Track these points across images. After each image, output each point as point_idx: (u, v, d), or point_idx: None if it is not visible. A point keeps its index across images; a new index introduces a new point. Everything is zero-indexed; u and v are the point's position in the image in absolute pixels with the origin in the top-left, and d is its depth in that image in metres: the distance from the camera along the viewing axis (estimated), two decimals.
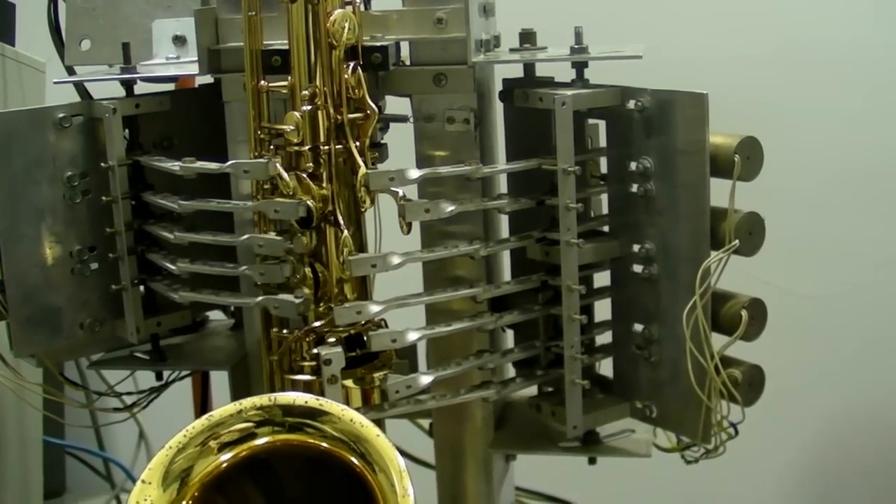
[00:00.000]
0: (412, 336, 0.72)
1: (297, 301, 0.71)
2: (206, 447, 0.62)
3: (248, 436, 0.63)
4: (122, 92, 0.82)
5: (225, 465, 0.62)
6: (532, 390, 0.85)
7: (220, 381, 0.96)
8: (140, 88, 0.83)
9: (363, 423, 0.62)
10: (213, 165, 0.74)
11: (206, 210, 0.77)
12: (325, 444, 0.63)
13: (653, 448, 0.84)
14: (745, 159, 0.74)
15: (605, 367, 0.85)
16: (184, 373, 0.90)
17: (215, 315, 0.96)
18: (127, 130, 0.82)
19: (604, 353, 0.84)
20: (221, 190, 0.80)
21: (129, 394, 0.89)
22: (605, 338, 0.84)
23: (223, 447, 0.62)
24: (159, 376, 0.88)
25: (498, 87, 0.83)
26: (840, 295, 1.34)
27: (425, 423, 0.90)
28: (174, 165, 0.76)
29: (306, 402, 0.63)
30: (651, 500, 1.41)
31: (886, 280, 1.34)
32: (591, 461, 0.85)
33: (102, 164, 0.80)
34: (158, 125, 0.83)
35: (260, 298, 0.72)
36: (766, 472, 1.42)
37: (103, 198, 0.80)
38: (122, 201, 0.80)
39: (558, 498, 1.04)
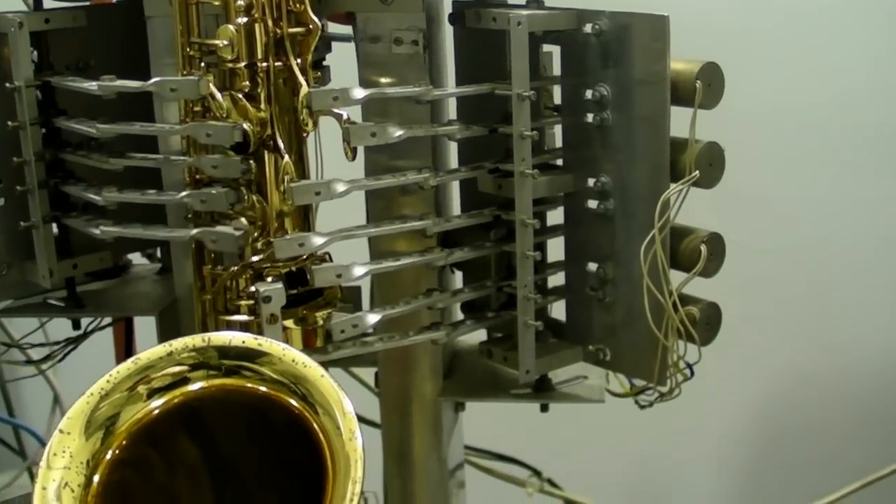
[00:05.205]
0: (358, 271, 0.66)
1: (237, 234, 0.65)
2: (134, 393, 0.56)
3: (181, 380, 0.58)
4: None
5: (155, 412, 0.57)
6: (481, 339, 0.81)
7: (145, 332, 0.89)
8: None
9: (306, 364, 0.57)
10: (134, 84, 0.67)
11: (129, 135, 0.69)
12: (264, 388, 0.57)
13: (606, 395, 0.81)
14: (707, 86, 0.71)
15: (556, 311, 0.81)
16: (104, 322, 0.83)
17: (140, 261, 0.89)
18: (35, 52, 0.74)
19: (556, 296, 0.80)
20: (145, 118, 0.73)
21: (42, 345, 0.81)
22: (557, 280, 0.80)
23: (153, 393, 0.56)
24: (77, 325, 0.81)
25: (448, 11, 0.77)
26: (791, 248, 1.33)
27: (369, 377, 0.84)
28: (91, 85, 0.69)
29: (244, 341, 0.58)
30: (596, 454, 1.39)
31: (836, 234, 1.34)
32: (544, 408, 0.82)
33: (7, 85, 0.72)
34: (72, 45, 0.76)
35: (195, 231, 0.66)
36: (712, 425, 1.41)
37: (9, 123, 0.73)
38: (30, 127, 0.72)
39: (507, 456, 1.00)
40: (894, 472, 1.13)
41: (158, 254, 0.90)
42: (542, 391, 0.79)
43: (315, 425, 0.55)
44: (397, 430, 0.79)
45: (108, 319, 0.82)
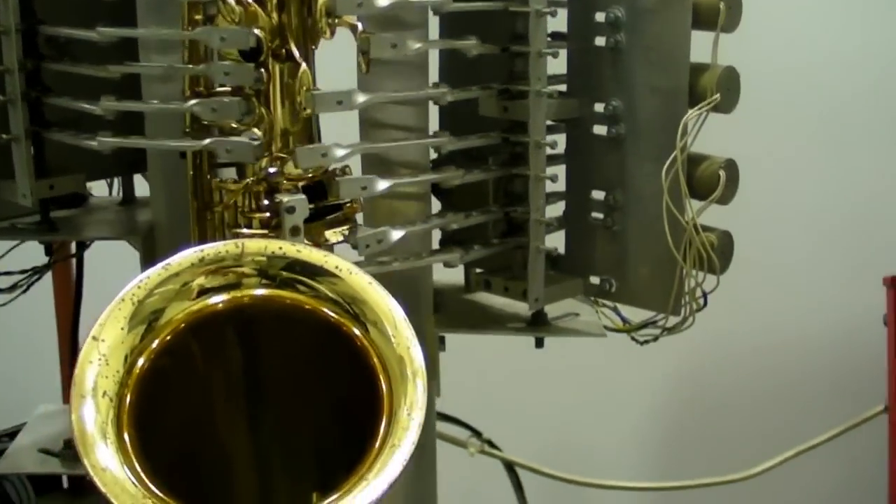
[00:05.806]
0: (382, 184, 0.63)
1: (254, 143, 0.60)
2: (185, 288, 0.53)
3: (233, 285, 0.55)
4: None
5: (200, 313, 0.53)
6: (460, 278, 0.79)
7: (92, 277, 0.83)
8: None
9: (351, 271, 0.54)
10: None
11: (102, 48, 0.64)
12: (316, 304, 0.54)
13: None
14: (728, 9, 0.70)
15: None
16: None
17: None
18: None
19: (556, 226, 0.77)
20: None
21: (7, 273, 0.75)
22: (553, 210, 0.78)
23: (202, 293, 0.53)
24: (49, 251, 0.74)
25: None
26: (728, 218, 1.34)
27: None
28: None
29: (280, 247, 0.54)
30: (533, 417, 1.39)
31: (766, 206, 1.36)
32: (539, 343, 0.79)
33: None
34: None
35: (207, 141, 0.61)
36: (631, 402, 1.43)
37: None
38: (14, 34, 0.66)
39: (448, 416, 0.98)
40: (814, 447, 1.16)
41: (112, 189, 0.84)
42: (539, 325, 0.77)
43: (368, 345, 0.53)
44: None
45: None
